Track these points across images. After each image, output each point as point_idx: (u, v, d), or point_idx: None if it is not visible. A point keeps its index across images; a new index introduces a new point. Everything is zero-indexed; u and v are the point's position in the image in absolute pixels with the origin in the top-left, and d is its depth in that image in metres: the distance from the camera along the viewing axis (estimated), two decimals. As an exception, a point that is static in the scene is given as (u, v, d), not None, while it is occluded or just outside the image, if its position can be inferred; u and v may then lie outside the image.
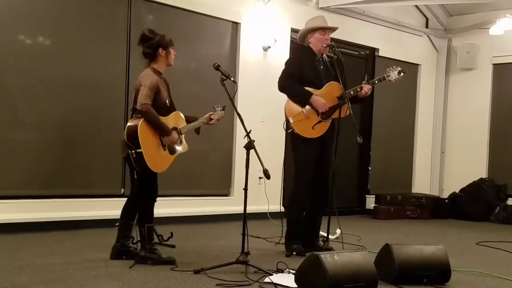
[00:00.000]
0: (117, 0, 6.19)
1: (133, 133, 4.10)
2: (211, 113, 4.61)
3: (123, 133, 4.20)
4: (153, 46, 4.30)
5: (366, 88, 4.93)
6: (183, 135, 4.45)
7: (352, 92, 4.91)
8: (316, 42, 4.99)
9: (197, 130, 4.61)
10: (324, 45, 4.95)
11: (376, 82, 5.05)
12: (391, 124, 9.29)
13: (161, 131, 4.22)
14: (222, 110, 4.70)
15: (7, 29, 5.45)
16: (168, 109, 4.34)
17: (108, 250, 4.45)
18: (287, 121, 4.94)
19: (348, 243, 5.45)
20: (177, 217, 6.40)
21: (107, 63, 6.10)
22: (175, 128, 4.35)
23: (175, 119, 4.39)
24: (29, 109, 5.59)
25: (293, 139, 5.03)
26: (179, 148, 4.40)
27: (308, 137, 4.90)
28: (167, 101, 4.36)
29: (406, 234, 7.00)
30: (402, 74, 5.00)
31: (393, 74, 5.00)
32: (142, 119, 4.13)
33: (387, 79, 5.03)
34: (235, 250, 4.30)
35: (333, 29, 5.06)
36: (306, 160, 4.94)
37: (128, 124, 4.20)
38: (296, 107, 4.91)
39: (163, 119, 4.23)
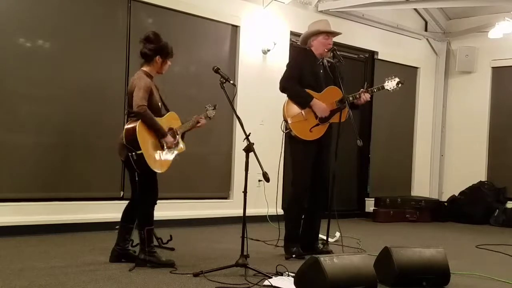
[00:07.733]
0: (117, 4, 6.20)
1: (132, 135, 4.10)
2: (198, 117, 4.58)
3: (121, 136, 4.20)
4: (153, 50, 4.31)
5: (366, 96, 4.96)
6: (179, 135, 4.47)
7: (351, 98, 4.93)
8: (318, 46, 5.00)
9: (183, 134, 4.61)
10: (326, 49, 4.97)
11: (375, 90, 5.09)
12: (390, 127, 9.30)
13: (157, 134, 4.23)
14: (213, 109, 4.70)
15: (6, 33, 5.45)
16: (160, 111, 4.37)
17: (107, 253, 4.45)
18: (285, 121, 4.95)
19: (348, 246, 5.46)
20: (176, 220, 6.40)
21: (106, 67, 6.10)
22: (171, 129, 4.37)
23: (169, 120, 4.41)
24: (28, 112, 5.59)
25: (290, 141, 5.04)
26: (175, 151, 4.42)
27: (305, 139, 4.91)
28: (159, 103, 4.38)
29: (405, 237, 6.99)
30: (400, 85, 5.05)
31: (391, 84, 5.04)
32: (140, 120, 4.13)
33: (385, 88, 5.07)
34: (234, 253, 4.30)
35: (336, 34, 5.08)
36: (303, 162, 4.94)
37: (126, 126, 4.20)
38: (295, 108, 4.93)
39: (157, 119, 4.24)
